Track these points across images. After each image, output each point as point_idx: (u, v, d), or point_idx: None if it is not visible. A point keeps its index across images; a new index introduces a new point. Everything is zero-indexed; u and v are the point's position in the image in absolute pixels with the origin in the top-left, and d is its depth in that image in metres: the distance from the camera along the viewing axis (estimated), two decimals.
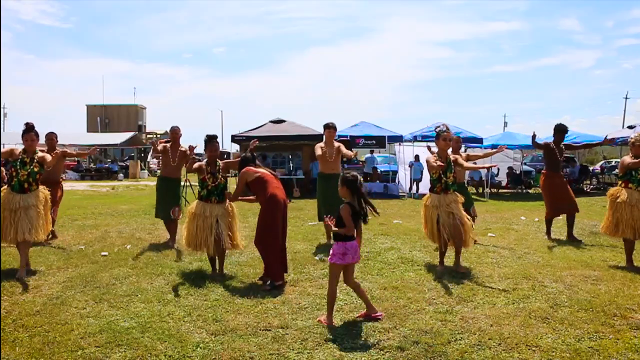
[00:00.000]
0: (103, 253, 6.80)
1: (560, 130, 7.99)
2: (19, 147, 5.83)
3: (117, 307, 4.48)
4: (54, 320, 4.13)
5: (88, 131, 43.82)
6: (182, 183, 7.97)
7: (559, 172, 8.05)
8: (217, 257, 5.69)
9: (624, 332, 3.87)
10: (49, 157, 5.83)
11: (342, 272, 4.15)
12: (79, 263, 6.20)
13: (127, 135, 32.51)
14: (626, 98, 49.23)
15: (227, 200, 5.72)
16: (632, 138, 6.22)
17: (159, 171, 9.45)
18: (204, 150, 5.85)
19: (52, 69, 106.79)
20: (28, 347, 3.60)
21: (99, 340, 3.73)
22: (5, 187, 5.67)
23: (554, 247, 7.27)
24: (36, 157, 5.68)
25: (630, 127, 20.42)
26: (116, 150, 35.77)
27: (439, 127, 5.89)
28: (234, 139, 17.58)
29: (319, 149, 7.49)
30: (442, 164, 5.72)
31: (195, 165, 5.82)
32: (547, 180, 7.98)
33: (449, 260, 6.00)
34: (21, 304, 4.55)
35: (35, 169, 5.66)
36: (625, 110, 53.86)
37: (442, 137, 5.79)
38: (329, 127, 7.50)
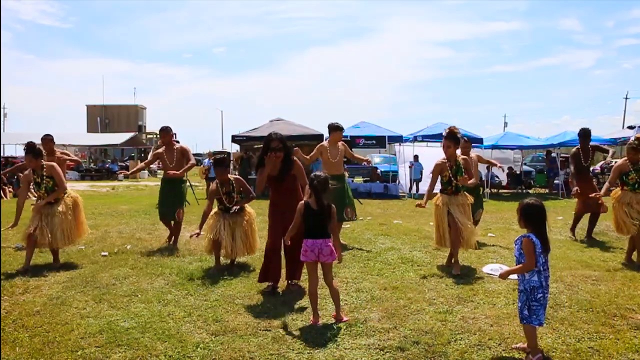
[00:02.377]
0: (103, 253, 6.80)
1: (583, 135, 8.06)
2: (27, 171, 6.09)
3: (117, 308, 4.48)
4: (54, 321, 4.13)
5: (88, 131, 43.92)
6: (187, 182, 8.01)
7: (587, 175, 8.07)
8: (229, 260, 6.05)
9: (624, 332, 3.87)
10: (56, 167, 6.05)
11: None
12: (79, 263, 6.20)
13: (127, 135, 32.54)
14: (626, 98, 49.23)
15: (245, 210, 6.05)
16: (630, 143, 6.36)
17: (160, 172, 9.46)
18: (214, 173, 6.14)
19: (52, 69, 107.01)
20: (28, 347, 3.60)
21: (99, 340, 3.73)
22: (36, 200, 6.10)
23: (554, 247, 7.27)
24: (44, 173, 5.94)
25: (631, 127, 20.42)
26: (116, 151, 35.80)
27: (447, 130, 5.94)
28: (234, 139, 17.59)
29: (320, 152, 7.27)
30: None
31: (211, 189, 6.01)
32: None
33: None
34: (21, 304, 4.56)
35: (50, 184, 5.94)
36: (625, 110, 53.71)
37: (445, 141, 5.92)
38: (338, 129, 7.33)
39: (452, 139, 5.84)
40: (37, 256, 6.58)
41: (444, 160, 5.92)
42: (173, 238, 7.41)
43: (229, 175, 5.95)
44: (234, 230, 5.86)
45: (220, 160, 6.00)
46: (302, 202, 4.23)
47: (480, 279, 5.41)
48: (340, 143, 7.37)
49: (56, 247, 6.04)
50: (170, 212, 7.31)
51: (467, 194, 6.06)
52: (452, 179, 5.85)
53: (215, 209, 6.01)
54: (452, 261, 5.86)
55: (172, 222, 7.40)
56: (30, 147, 5.87)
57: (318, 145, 7.40)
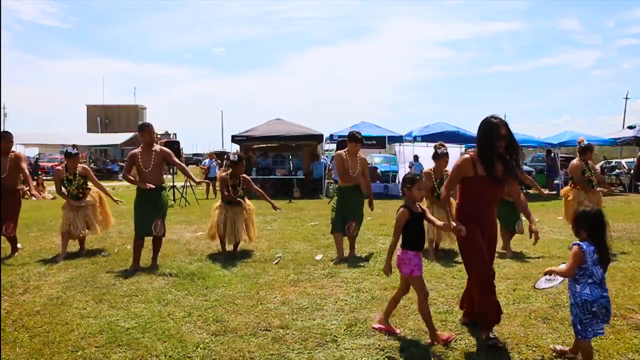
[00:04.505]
0: (103, 253, 6.81)
1: None
2: (61, 167, 6.92)
3: (117, 308, 4.47)
4: (54, 321, 4.13)
5: (88, 131, 43.90)
6: (183, 184, 7.99)
7: None
8: (232, 245, 6.82)
9: (624, 332, 3.87)
10: (88, 170, 7.02)
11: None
12: (79, 263, 6.20)
13: (127, 135, 32.47)
14: (626, 98, 49.20)
15: (246, 202, 6.91)
16: (587, 145, 7.15)
17: None
18: (231, 167, 6.89)
19: (52, 69, 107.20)
20: (28, 348, 3.60)
21: (99, 340, 3.73)
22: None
23: (554, 247, 7.26)
24: (77, 172, 6.83)
25: (631, 127, 20.43)
26: (116, 151, 35.76)
27: (441, 147, 6.70)
28: (234, 139, 17.58)
29: (342, 162, 6.64)
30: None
31: (222, 177, 6.91)
32: None
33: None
34: (21, 304, 4.56)
35: (80, 182, 6.86)
36: (625, 111, 53.87)
37: (443, 159, 6.62)
38: (351, 140, 6.64)
39: (433, 155, 6.70)
40: (38, 256, 6.59)
41: (430, 171, 6.76)
42: (152, 255, 6.19)
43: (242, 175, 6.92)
44: (234, 220, 6.70)
45: (241, 158, 7.06)
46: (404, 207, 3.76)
47: None
48: (362, 157, 6.77)
49: (87, 235, 6.88)
50: (148, 225, 5.99)
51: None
52: (436, 189, 6.64)
53: (218, 202, 6.99)
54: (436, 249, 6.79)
55: (153, 238, 6.15)
56: (69, 153, 6.83)
57: (336, 155, 6.89)
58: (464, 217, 3.71)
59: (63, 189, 6.77)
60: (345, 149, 6.75)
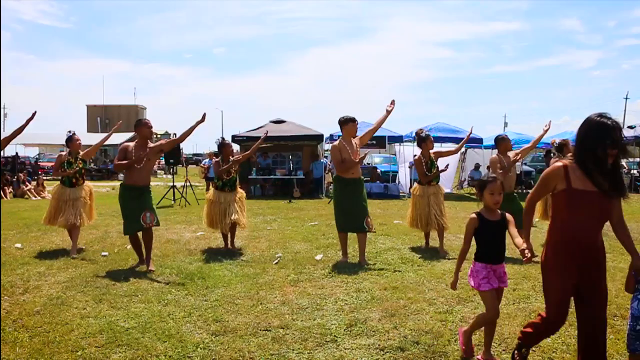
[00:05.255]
0: (103, 253, 6.80)
1: None
2: (64, 152, 7.14)
3: (117, 308, 4.48)
4: (54, 321, 4.13)
5: (88, 131, 43.86)
6: (183, 184, 8.04)
7: None
8: (229, 234, 7.09)
9: (623, 332, 3.86)
10: (86, 151, 7.12)
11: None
12: (79, 263, 6.20)
13: (127, 135, 32.44)
14: (626, 98, 49.37)
15: (237, 189, 7.20)
16: (555, 143, 7.72)
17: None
18: (220, 151, 7.28)
19: (52, 69, 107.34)
20: (28, 348, 3.60)
21: (99, 340, 3.73)
22: (58, 183, 7.10)
23: None
24: (79, 157, 6.98)
25: (631, 127, 20.43)
26: (116, 151, 35.83)
27: (423, 131, 7.15)
28: (235, 139, 17.57)
29: (339, 151, 6.11)
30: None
31: (216, 163, 7.20)
32: None
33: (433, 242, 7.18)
34: (21, 304, 4.56)
35: (80, 166, 6.96)
36: (625, 111, 53.81)
37: (428, 141, 7.02)
38: (350, 121, 6.11)
39: (418, 140, 7.07)
40: (38, 256, 6.59)
41: (419, 157, 7.04)
42: (145, 255, 5.99)
43: (230, 157, 7.18)
44: (227, 207, 6.99)
45: (227, 142, 7.50)
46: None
47: None
48: (355, 140, 6.22)
49: (78, 224, 6.80)
50: (137, 222, 5.77)
51: (440, 185, 7.16)
52: (427, 172, 6.96)
53: (210, 194, 7.23)
54: (439, 246, 6.90)
55: (135, 237, 6.01)
56: (68, 138, 7.04)
57: (331, 148, 6.34)
58: (555, 245, 3.01)
59: (60, 170, 6.90)
60: (340, 138, 6.30)
